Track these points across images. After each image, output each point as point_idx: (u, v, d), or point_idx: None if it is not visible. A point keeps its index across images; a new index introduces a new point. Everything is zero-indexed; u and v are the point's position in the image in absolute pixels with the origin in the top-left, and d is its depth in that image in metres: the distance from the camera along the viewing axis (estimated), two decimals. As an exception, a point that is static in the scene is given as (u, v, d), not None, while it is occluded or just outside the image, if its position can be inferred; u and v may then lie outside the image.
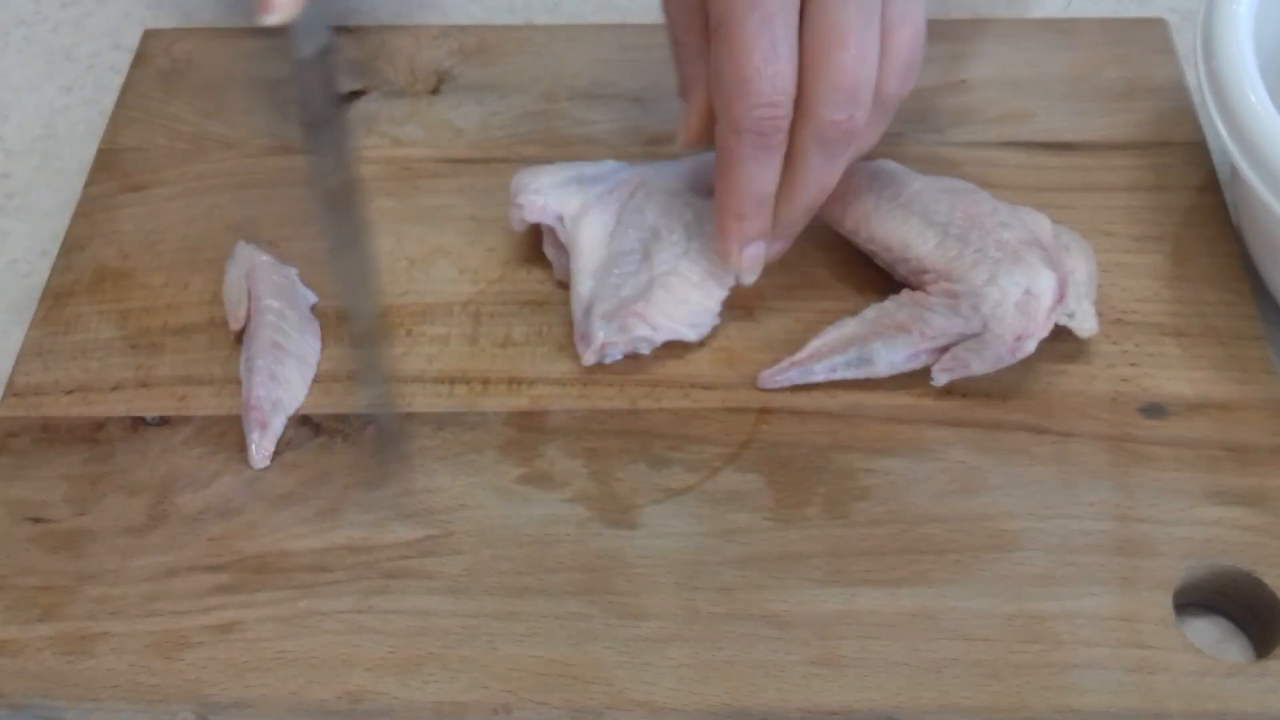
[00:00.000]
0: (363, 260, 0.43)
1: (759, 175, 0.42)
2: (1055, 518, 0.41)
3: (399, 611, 0.40)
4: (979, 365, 0.43)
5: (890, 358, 0.43)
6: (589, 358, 0.44)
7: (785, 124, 0.41)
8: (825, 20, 0.40)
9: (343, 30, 0.56)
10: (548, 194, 0.46)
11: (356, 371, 0.45)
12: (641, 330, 0.44)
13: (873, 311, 0.44)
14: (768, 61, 0.39)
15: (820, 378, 0.44)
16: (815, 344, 0.44)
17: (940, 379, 0.43)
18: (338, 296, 0.46)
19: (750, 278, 0.44)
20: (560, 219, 0.46)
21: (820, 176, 0.42)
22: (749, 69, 0.39)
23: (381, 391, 0.44)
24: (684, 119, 0.45)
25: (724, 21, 0.40)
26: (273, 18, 0.41)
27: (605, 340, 0.44)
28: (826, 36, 0.40)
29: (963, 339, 0.42)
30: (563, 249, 0.46)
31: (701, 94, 0.43)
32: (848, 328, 0.44)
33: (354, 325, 0.44)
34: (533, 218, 0.46)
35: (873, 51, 0.41)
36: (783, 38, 0.40)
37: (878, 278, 0.46)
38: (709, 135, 0.44)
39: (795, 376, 0.44)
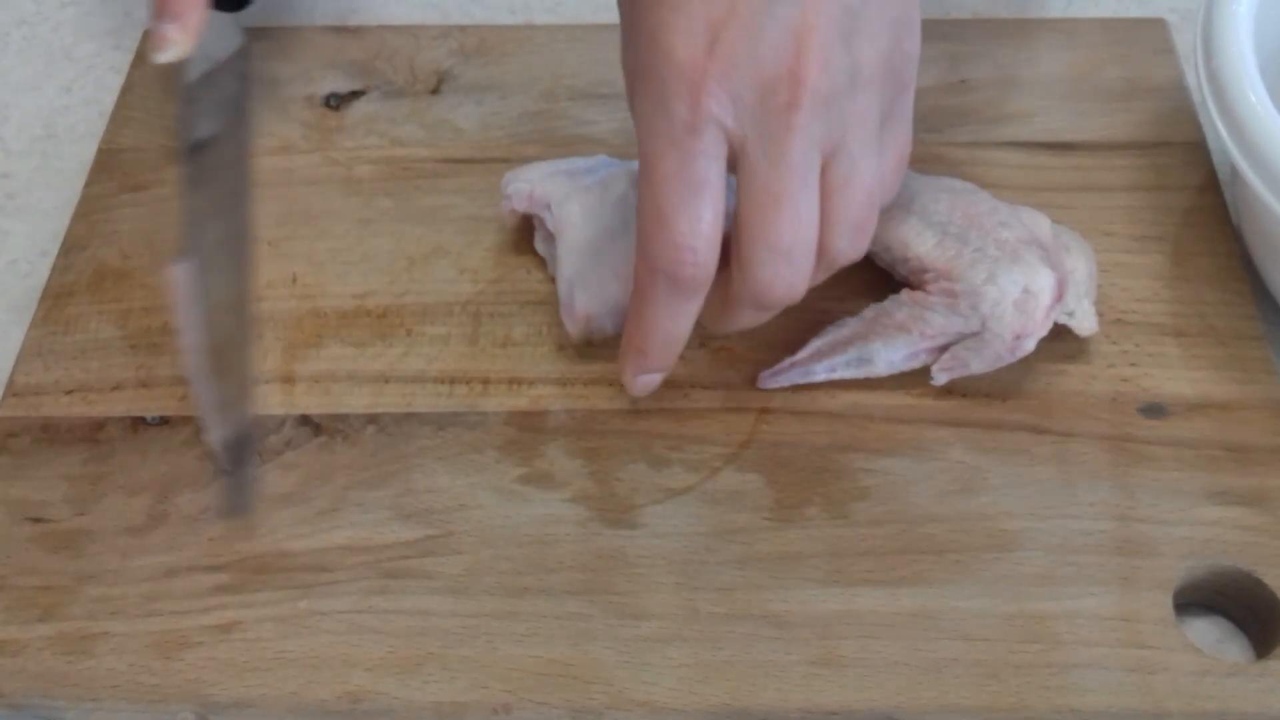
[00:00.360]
0: (240, 276, 0.40)
1: (667, 320, 0.40)
2: (1055, 518, 0.41)
3: (399, 611, 0.40)
4: (978, 364, 0.43)
5: (890, 357, 0.43)
6: (575, 330, 0.44)
7: (702, 275, 0.38)
8: (756, 180, 0.37)
9: (341, 30, 0.56)
10: (536, 183, 0.46)
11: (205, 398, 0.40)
12: (623, 295, 0.43)
13: (872, 311, 0.44)
14: (685, 203, 0.37)
15: (820, 378, 0.44)
16: (815, 344, 0.44)
17: (940, 378, 0.43)
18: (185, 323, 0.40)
19: (639, 393, 0.43)
20: (548, 206, 0.46)
21: (753, 323, 0.41)
22: (667, 206, 0.37)
23: (235, 412, 0.40)
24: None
25: (646, 156, 0.38)
26: (166, 55, 0.40)
27: (587, 310, 0.44)
28: (759, 196, 0.37)
29: (962, 338, 0.42)
30: (552, 240, 0.46)
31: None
32: (847, 328, 0.44)
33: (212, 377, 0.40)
34: (521, 207, 0.46)
35: (809, 212, 0.38)
36: (705, 181, 0.37)
37: (877, 278, 0.46)
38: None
39: (795, 376, 0.44)
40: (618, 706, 0.38)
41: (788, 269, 0.38)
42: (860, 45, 0.37)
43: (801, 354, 0.44)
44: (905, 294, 0.44)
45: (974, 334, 0.42)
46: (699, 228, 0.37)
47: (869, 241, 0.40)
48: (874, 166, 0.39)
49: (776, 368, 0.44)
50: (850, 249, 0.40)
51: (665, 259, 0.38)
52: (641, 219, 0.38)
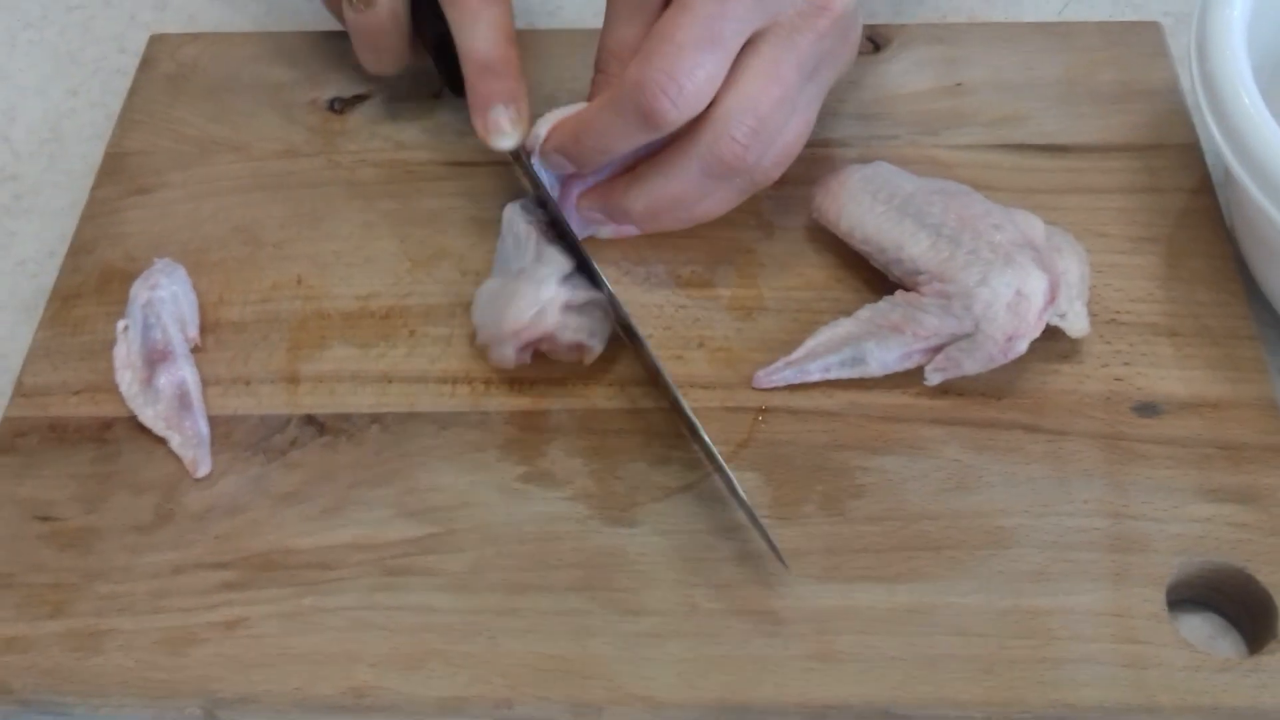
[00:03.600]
0: None
1: (614, 135, 0.43)
2: (1049, 515, 0.42)
3: (402, 608, 0.41)
4: (971, 365, 0.43)
5: (884, 358, 0.44)
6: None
7: (673, 116, 0.41)
8: (760, 59, 0.41)
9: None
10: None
11: None
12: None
13: (867, 312, 0.45)
14: (698, 46, 0.40)
15: (815, 377, 0.45)
16: (810, 344, 0.45)
17: (933, 379, 0.44)
18: None
19: (550, 170, 0.46)
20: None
21: (681, 184, 0.44)
22: (682, 38, 0.40)
23: None
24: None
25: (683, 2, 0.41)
26: (505, 143, 0.46)
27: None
28: (762, 68, 0.41)
29: (955, 339, 0.43)
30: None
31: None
32: (842, 328, 0.45)
33: None
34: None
35: (790, 108, 0.42)
36: (723, 41, 0.41)
37: (873, 279, 0.47)
38: None
39: (790, 376, 0.45)
40: (617, 701, 0.39)
41: (754, 138, 0.42)
42: None
43: (796, 354, 0.45)
44: (899, 295, 0.44)
45: (967, 335, 0.43)
46: (698, 73, 0.40)
47: (782, 171, 0.44)
48: (815, 111, 0.45)
49: (772, 367, 0.45)
50: (772, 171, 0.44)
51: (653, 81, 0.40)
52: (653, 39, 0.41)
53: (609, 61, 0.45)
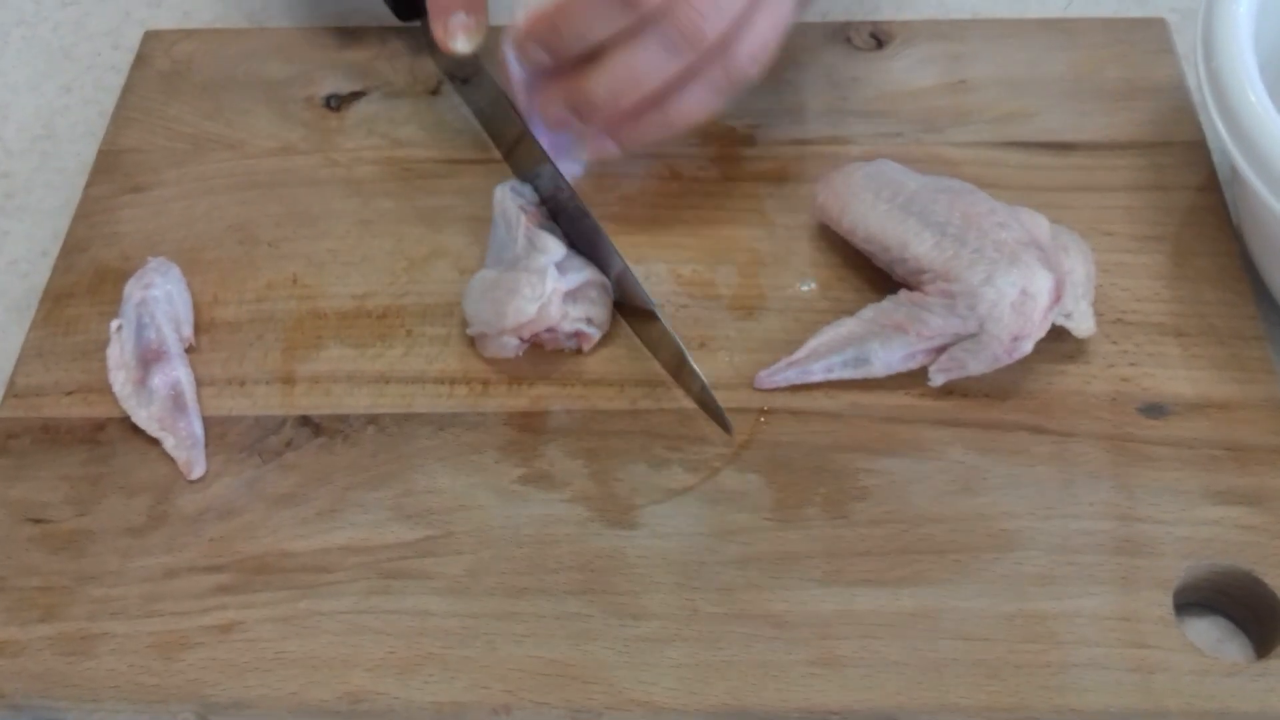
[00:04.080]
0: None
1: (590, 19, 0.42)
2: (1055, 517, 0.41)
3: (399, 612, 0.40)
4: (975, 365, 0.43)
5: (887, 358, 0.43)
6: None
7: (699, 37, 0.41)
8: None
9: (341, 31, 0.56)
10: None
11: None
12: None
13: (870, 311, 0.44)
14: None
15: (818, 378, 0.44)
16: (812, 344, 0.44)
17: (937, 379, 0.43)
18: None
19: (519, 74, 0.46)
20: None
21: (644, 63, 0.42)
22: None
23: None
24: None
25: None
26: (461, 45, 0.47)
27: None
28: None
29: (960, 339, 0.42)
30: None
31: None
32: (845, 328, 0.44)
33: None
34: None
35: None
36: None
37: (876, 278, 0.46)
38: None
39: (793, 377, 0.44)
40: (617, 706, 0.38)
41: (712, 9, 0.41)
42: None
43: (799, 354, 0.44)
44: (903, 294, 0.44)
45: (971, 335, 0.42)
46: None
47: (760, 68, 0.44)
48: (790, 13, 0.44)
49: (774, 368, 0.44)
50: (748, 65, 0.43)
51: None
52: None
53: None
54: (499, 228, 0.46)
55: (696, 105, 0.44)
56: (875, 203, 0.45)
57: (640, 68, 0.43)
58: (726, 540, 0.41)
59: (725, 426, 0.42)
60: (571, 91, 0.44)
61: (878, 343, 0.43)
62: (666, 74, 0.43)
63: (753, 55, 0.43)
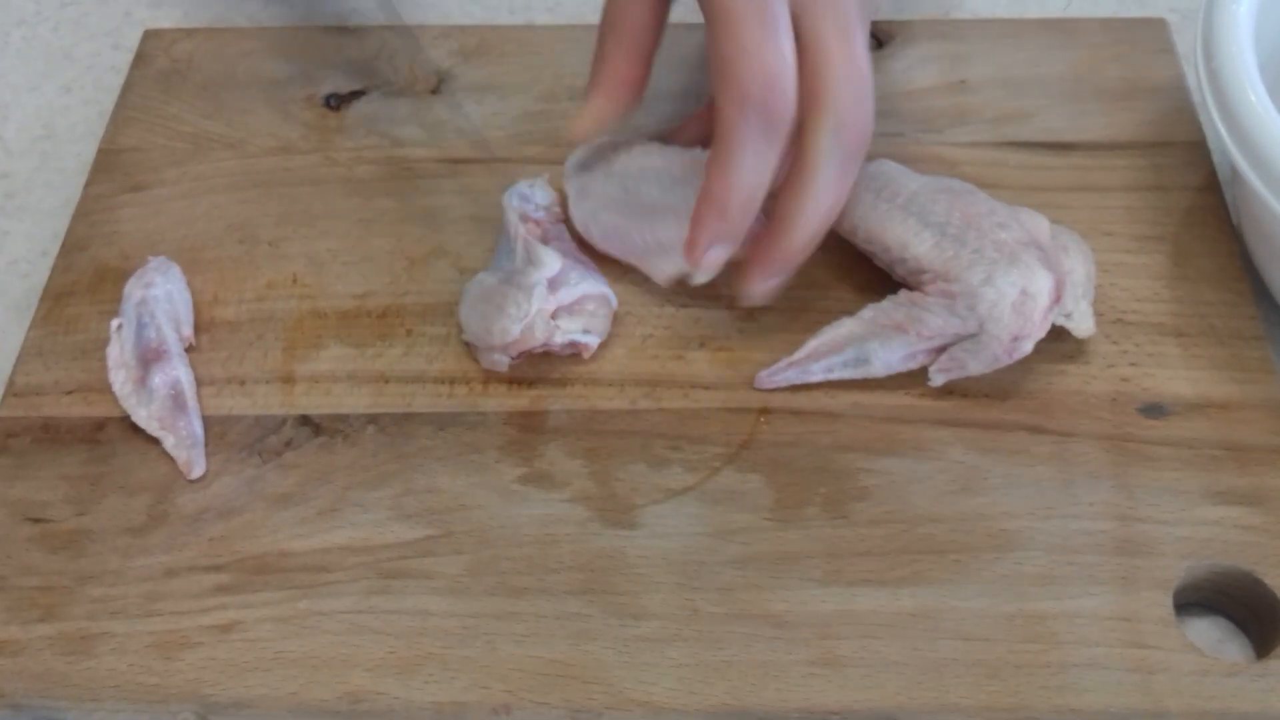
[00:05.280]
0: None
1: (754, 161, 0.40)
2: (1055, 518, 0.41)
3: (399, 612, 0.40)
4: (975, 366, 0.43)
5: (887, 358, 0.43)
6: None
7: (789, 108, 0.40)
8: (822, 27, 0.40)
9: (341, 30, 0.56)
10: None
11: None
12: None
13: (870, 311, 0.44)
14: (767, 37, 0.39)
15: (817, 378, 0.44)
16: (812, 344, 0.44)
17: (937, 379, 0.43)
18: None
19: (702, 279, 0.44)
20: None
21: (829, 189, 0.41)
22: (750, 41, 0.39)
23: None
24: (585, 111, 0.44)
25: (722, 7, 0.39)
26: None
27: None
28: (823, 31, 0.40)
29: (959, 339, 0.42)
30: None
31: (612, 90, 0.44)
32: (845, 328, 0.44)
33: None
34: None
35: (864, 47, 0.41)
36: (780, 20, 0.39)
37: (876, 278, 0.46)
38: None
39: (792, 377, 0.44)
40: (617, 706, 0.38)
41: (867, 103, 0.40)
42: None
43: (799, 354, 0.44)
44: (903, 294, 0.44)
45: (971, 335, 0.42)
46: (785, 58, 0.39)
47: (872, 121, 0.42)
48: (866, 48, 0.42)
49: (774, 368, 0.44)
50: (865, 118, 0.41)
51: (755, 89, 0.39)
52: (722, 61, 0.40)
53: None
54: (505, 232, 0.46)
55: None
56: (875, 203, 0.45)
57: (830, 198, 0.41)
58: (726, 540, 0.41)
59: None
60: (775, 260, 0.43)
61: (877, 343, 0.43)
62: (847, 188, 0.42)
63: (867, 115, 0.42)
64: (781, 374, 0.44)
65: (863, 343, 0.43)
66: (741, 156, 0.40)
